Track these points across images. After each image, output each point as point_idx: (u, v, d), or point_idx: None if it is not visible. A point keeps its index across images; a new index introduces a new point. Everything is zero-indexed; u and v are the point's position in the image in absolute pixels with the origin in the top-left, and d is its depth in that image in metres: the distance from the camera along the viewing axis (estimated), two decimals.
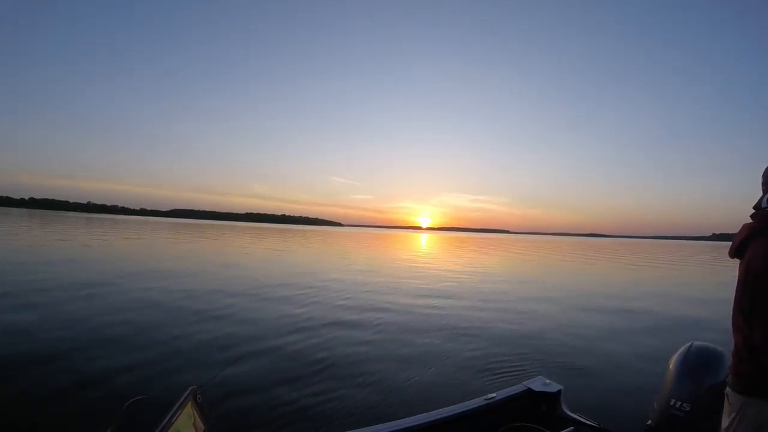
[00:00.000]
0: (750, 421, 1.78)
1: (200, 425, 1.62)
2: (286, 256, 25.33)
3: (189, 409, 1.58)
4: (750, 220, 1.94)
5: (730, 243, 2.02)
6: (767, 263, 1.74)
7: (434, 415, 2.82)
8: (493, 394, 3.16)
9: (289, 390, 4.84)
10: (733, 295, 1.90)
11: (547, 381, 3.43)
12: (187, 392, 1.61)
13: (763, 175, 1.93)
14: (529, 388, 3.33)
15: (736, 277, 1.89)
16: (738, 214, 1.97)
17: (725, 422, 1.89)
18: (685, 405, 2.49)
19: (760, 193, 1.95)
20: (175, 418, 1.47)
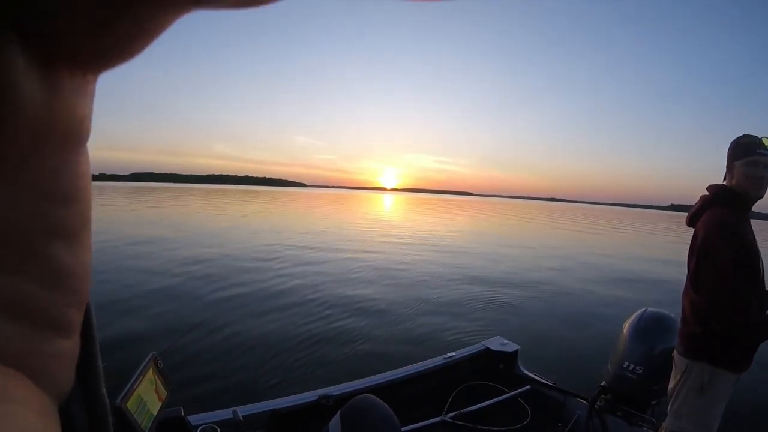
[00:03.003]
0: (693, 382, 1.89)
1: (162, 391, 1.60)
2: (246, 221, 25.00)
3: (150, 375, 1.55)
4: (707, 193, 2.02)
5: (687, 213, 2.11)
6: (710, 233, 1.84)
7: (394, 374, 2.87)
8: (452, 353, 3.23)
9: (250, 353, 4.85)
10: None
11: (505, 341, 3.51)
12: (148, 358, 1.59)
13: (728, 151, 1.98)
14: (487, 347, 3.40)
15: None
16: (698, 186, 2.05)
17: (671, 384, 2.01)
18: (637, 368, 2.62)
19: (719, 169, 2.03)
20: (136, 384, 1.44)
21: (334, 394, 2.49)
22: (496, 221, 35.96)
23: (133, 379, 1.45)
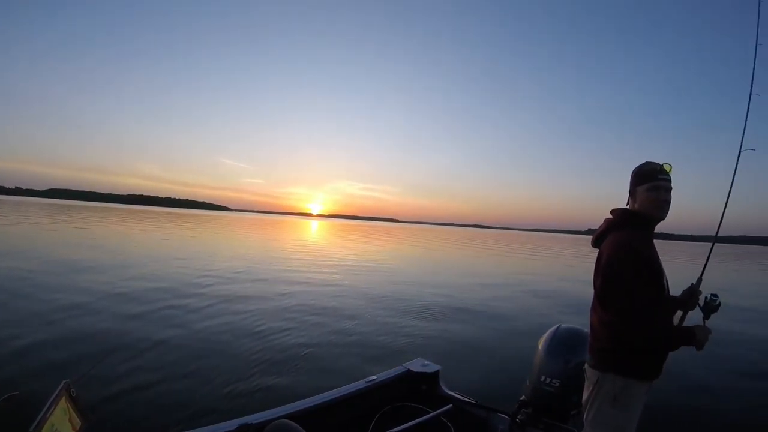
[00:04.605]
0: (606, 393, 1.98)
1: (76, 420, 1.54)
2: (160, 245, 23.86)
3: (64, 404, 1.49)
4: (611, 216, 2.15)
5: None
6: (615, 253, 1.95)
7: (314, 401, 2.80)
8: (374, 377, 3.20)
9: (168, 382, 4.61)
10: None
11: (426, 362, 3.55)
12: (61, 386, 1.52)
13: (631, 177, 2.13)
14: (408, 369, 3.42)
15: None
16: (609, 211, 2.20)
17: (585, 395, 2.09)
18: (554, 381, 2.74)
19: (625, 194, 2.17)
20: (49, 413, 1.37)
21: (255, 422, 2.39)
22: (417, 247, 36.47)
23: (45, 408, 1.38)
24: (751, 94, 2.46)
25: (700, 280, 2.28)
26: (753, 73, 2.53)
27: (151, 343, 5.80)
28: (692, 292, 2.22)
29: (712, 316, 2.12)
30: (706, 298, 2.16)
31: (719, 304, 2.14)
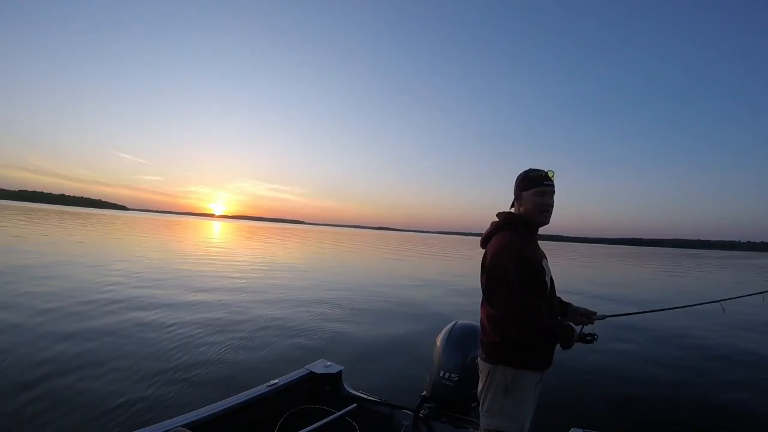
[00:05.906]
0: (497, 384, 2.09)
1: None
2: (61, 248, 21.66)
3: None
4: (497, 219, 2.29)
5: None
6: (498, 253, 2.08)
7: (215, 408, 2.72)
8: (276, 380, 3.17)
9: (59, 392, 4.33)
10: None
11: (329, 363, 3.57)
12: None
13: (517, 183, 2.27)
14: (311, 371, 3.42)
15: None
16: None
17: (480, 387, 2.20)
18: (452, 375, 2.88)
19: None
20: None
21: None
22: (318, 250, 36.07)
23: None
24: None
25: (604, 316, 2.39)
26: None
27: (43, 352, 5.39)
28: (588, 314, 2.34)
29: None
30: (588, 332, 2.23)
31: (588, 342, 2.23)
